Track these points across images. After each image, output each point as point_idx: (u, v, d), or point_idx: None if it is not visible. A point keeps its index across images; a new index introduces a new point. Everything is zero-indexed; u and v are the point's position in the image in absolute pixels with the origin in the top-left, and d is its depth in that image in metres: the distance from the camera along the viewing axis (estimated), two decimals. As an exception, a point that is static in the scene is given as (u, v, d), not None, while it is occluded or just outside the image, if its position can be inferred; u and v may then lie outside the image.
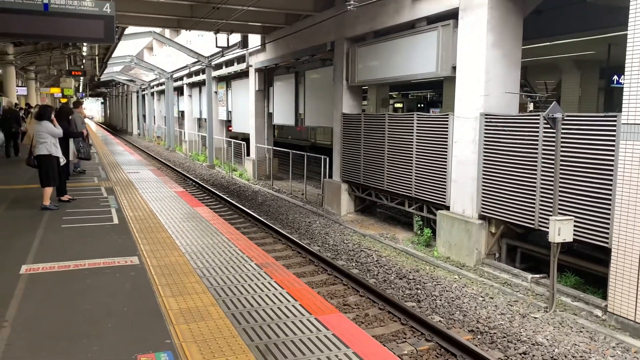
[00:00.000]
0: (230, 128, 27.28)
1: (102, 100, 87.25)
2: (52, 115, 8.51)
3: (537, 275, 8.44)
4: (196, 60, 26.53)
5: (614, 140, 7.08)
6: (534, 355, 6.23)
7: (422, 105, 30.16)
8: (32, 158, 8.49)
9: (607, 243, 7.20)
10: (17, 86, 24.22)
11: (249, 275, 5.23)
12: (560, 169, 7.71)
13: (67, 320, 4.09)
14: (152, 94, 45.55)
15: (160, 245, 6.23)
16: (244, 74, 23.11)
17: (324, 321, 4.10)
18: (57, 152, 8.44)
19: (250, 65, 21.20)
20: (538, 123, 8.31)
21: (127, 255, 5.80)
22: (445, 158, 10.37)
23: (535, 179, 8.38)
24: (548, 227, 7.45)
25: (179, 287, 4.80)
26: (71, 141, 10.40)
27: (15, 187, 10.39)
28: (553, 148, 7.79)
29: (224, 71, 24.86)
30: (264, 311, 4.28)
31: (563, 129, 7.64)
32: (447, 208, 10.37)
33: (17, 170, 12.92)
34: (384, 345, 5.47)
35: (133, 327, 3.96)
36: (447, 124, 10.29)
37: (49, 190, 8.36)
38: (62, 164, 8.65)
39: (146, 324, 4.02)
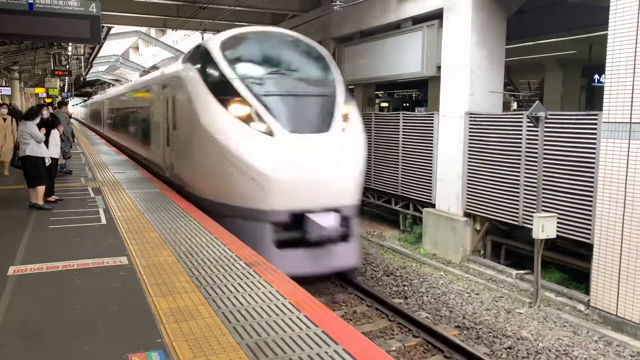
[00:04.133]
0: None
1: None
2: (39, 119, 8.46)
3: (522, 271, 8.58)
4: (182, 59, 26.38)
5: (595, 139, 7.23)
6: (519, 350, 6.36)
7: (408, 104, 30.33)
8: (17, 159, 8.43)
9: (589, 239, 7.35)
10: (1, 86, 23.95)
11: (238, 274, 5.27)
12: (544, 167, 7.86)
13: (57, 320, 4.10)
14: (138, 93, 45.21)
15: (149, 245, 6.24)
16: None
17: (313, 318, 4.15)
18: (42, 152, 8.35)
19: (237, 65, 21.13)
20: (521, 122, 8.44)
21: (116, 256, 5.81)
22: (431, 156, 10.49)
23: (519, 176, 8.52)
24: (532, 224, 7.59)
25: (168, 287, 4.82)
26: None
27: (0, 188, 10.31)
28: (536, 146, 7.93)
29: (211, 70, 24.73)
30: (254, 309, 4.32)
31: (546, 127, 7.78)
32: (433, 206, 10.50)
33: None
34: (373, 342, 5.54)
35: (124, 327, 3.98)
36: (432, 123, 10.40)
37: (41, 190, 8.29)
38: (47, 164, 8.59)
39: (137, 323, 4.04)
